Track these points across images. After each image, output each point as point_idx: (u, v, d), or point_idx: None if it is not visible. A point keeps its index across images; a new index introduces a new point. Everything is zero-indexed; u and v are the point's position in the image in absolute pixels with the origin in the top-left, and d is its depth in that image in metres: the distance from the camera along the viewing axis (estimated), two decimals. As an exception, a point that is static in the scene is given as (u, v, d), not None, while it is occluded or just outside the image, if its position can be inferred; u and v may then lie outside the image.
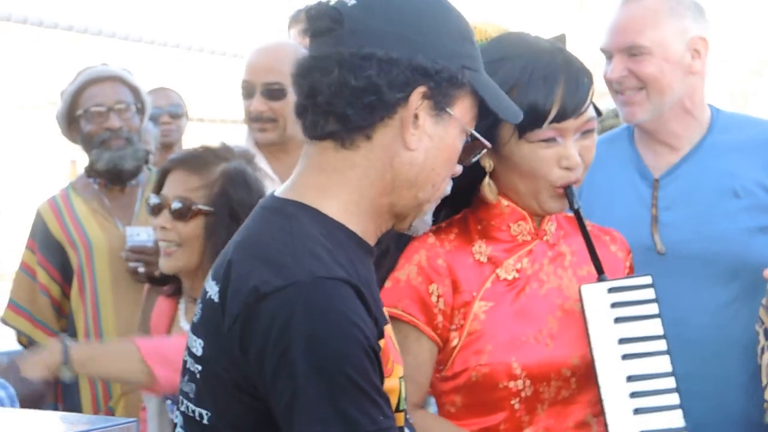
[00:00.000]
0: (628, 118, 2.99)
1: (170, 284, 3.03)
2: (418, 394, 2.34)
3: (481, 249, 2.38)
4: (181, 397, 1.97)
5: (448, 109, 1.93)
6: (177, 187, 2.91)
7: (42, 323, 3.84)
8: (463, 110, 1.96)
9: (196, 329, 1.93)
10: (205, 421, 1.90)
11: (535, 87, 2.29)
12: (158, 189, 2.95)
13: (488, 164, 2.36)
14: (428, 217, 2.01)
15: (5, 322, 3.92)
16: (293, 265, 1.82)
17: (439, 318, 2.33)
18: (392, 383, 1.91)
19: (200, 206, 2.87)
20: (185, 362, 1.97)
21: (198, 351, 1.92)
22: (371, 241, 1.97)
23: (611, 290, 2.35)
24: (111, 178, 3.86)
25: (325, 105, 1.91)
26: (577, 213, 2.36)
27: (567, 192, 2.34)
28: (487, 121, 2.14)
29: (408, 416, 2.02)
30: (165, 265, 2.91)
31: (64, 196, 3.94)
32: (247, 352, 1.82)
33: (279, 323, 1.78)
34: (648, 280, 2.37)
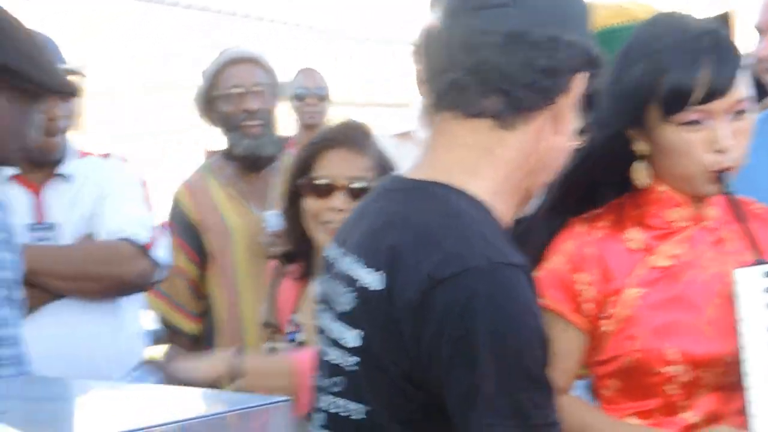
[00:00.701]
0: None
1: (299, 264, 3.02)
2: (564, 379, 2.32)
3: (634, 236, 2.35)
4: (319, 395, 1.93)
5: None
6: (346, 167, 2.89)
7: (181, 306, 3.88)
8: (576, 95, 1.92)
9: (350, 319, 1.86)
10: (359, 416, 1.84)
11: (677, 68, 2.26)
12: (307, 170, 2.92)
13: (643, 148, 2.33)
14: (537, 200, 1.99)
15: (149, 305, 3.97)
16: (467, 250, 1.77)
17: (588, 306, 2.31)
18: None
19: (374, 184, 2.84)
20: (324, 355, 1.92)
21: (351, 342, 1.85)
22: (505, 225, 1.92)
23: None
24: (248, 164, 3.89)
25: (496, 83, 1.85)
26: (729, 197, 2.31)
27: (720, 177, 2.29)
28: (634, 103, 2.16)
29: None
30: None
31: (199, 178, 3.97)
32: (420, 340, 1.76)
33: (457, 310, 1.73)
34: None
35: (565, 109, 1.88)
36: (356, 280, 1.85)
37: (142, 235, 3.23)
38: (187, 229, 3.85)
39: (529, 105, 1.85)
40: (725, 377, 2.31)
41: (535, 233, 2.35)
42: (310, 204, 2.89)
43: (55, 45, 3.29)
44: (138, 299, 3.39)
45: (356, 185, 2.86)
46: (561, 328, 2.31)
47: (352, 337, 1.85)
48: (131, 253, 3.21)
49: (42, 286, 3.12)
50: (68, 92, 2.37)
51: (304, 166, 2.92)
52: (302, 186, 2.91)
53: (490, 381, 1.73)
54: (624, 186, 2.39)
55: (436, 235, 1.80)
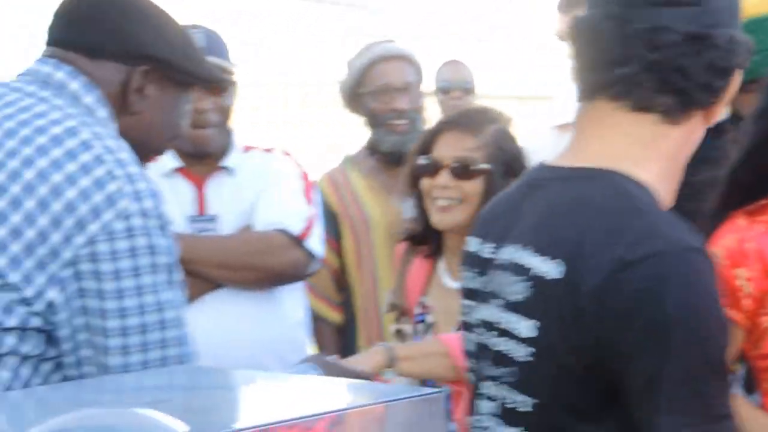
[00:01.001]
0: None
1: (429, 244, 3.11)
2: None
3: None
4: (487, 383, 1.92)
5: None
6: (453, 147, 3.02)
7: (325, 296, 3.92)
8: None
9: (521, 309, 1.84)
10: (526, 409, 1.84)
11: None
12: (425, 151, 3.04)
13: None
14: None
15: None
16: (656, 233, 1.77)
17: (746, 302, 2.27)
18: None
19: (481, 165, 2.97)
20: (488, 345, 1.92)
21: (525, 333, 1.84)
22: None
23: None
24: (393, 160, 3.91)
25: (676, 82, 1.86)
26: None
27: None
28: None
29: None
30: (443, 221, 3.01)
31: (341, 170, 4.01)
32: (604, 324, 1.75)
33: (648, 293, 1.73)
34: None
35: (722, 104, 1.90)
36: (529, 269, 1.84)
37: (296, 226, 3.27)
38: (327, 219, 3.89)
39: (700, 103, 1.88)
40: None
41: (705, 227, 2.32)
42: (423, 183, 3.04)
43: (221, 40, 3.36)
44: (299, 289, 3.43)
45: (459, 164, 2.98)
46: None
47: (526, 327, 1.83)
48: (285, 243, 3.25)
49: (199, 275, 3.18)
50: (217, 83, 2.42)
51: (424, 148, 3.06)
52: (417, 167, 3.05)
53: (678, 367, 1.72)
54: None
55: (619, 218, 1.80)
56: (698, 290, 1.75)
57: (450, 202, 2.99)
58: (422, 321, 3.05)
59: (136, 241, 2.09)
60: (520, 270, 1.85)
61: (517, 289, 1.85)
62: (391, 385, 2.56)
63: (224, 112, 3.33)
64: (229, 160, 3.36)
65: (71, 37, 2.28)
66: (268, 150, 3.47)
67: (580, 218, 1.82)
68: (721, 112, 1.92)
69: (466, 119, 3.10)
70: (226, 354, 3.00)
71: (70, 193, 2.09)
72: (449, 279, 3.03)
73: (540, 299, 1.82)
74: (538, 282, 1.82)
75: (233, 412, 1.65)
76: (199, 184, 3.35)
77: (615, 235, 1.77)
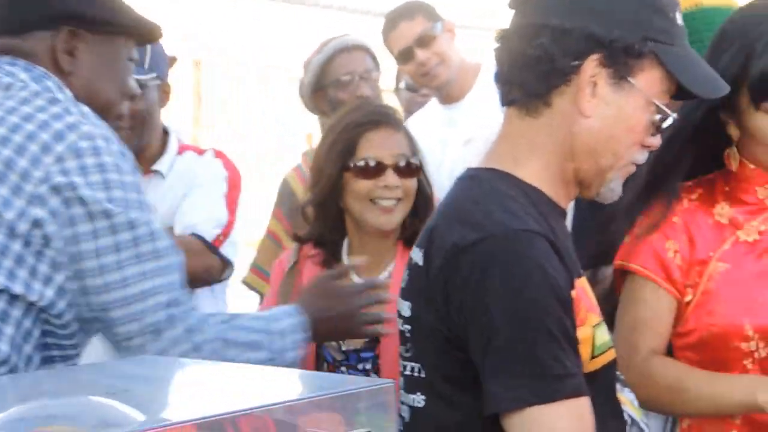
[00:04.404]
0: None
1: (319, 249, 3.05)
2: (656, 341, 2.37)
3: (723, 211, 2.39)
4: (400, 361, 2.09)
5: (629, 79, 1.98)
6: (392, 146, 2.96)
7: None
8: (649, 81, 2.00)
9: (405, 293, 2.07)
10: (422, 375, 2.03)
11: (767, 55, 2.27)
12: (351, 152, 2.96)
13: (734, 133, 2.36)
14: (616, 186, 2.06)
15: (248, 285, 4.05)
16: (487, 220, 1.94)
17: (677, 273, 2.35)
18: (585, 332, 1.98)
19: (418, 162, 2.97)
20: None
21: (407, 312, 2.07)
22: (564, 205, 2.06)
23: None
24: None
25: (508, 74, 2.02)
26: None
27: None
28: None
29: (617, 372, 2.12)
30: (389, 222, 2.94)
31: (307, 165, 4.04)
32: (449, 304, 1.94)
33: (477, 274, 1.90)
34: None
35: (582, 90, 1.98)
36: (412, 259, 2.08)
37: (211, 232, 3.31)
38: (295, 214, 3.92)
39: (537, 90, 1.99)
40: None
41: (628, 212, 2.43)
42: (361, 186, 2.93)
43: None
44: (219, 291, 3.46)
45: (402, 162, 2.94)
46: (650, 291, 2.36)
47: (406, 307, 2.07)
48: (198, 248, 3.28)
49: None
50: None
51: (349, 149, 2.96)
52: (350, 169, 2.94)
53: (506, 335, 1.88)
54: (715, 165, 2.42)
55: (463, 211, 1.98)
56: (521, 264, 1.90)
57: (393, 203, 2.94)
58: None
59: (102, 159, 2.16)
60: (410, 261, 2.09)
61: (404, 277, 2.10)
62: (342, 376, 2.59)
63: (137, 116, 3.33)
64: (161, 163, 3.40)
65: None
66: (200, 152, 3.50)
67: (440, 215, 2.03)
68: (591, 102, 1.97)
69: (388, 117, 3.04)
70: None
71: (31, 128, 2.16)
72: (357, 278, 2.90)
73: (413, 283, 2.06)
74: (412, 268, 2.06)
75: (190, 403, 1.68)
76: None
77: (454, 224, 1.96)
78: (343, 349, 2.94)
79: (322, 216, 3.03)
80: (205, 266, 3.31)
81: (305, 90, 4.11)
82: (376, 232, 2.96)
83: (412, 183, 2.96)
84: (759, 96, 2.28)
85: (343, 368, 2.94)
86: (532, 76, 2.00)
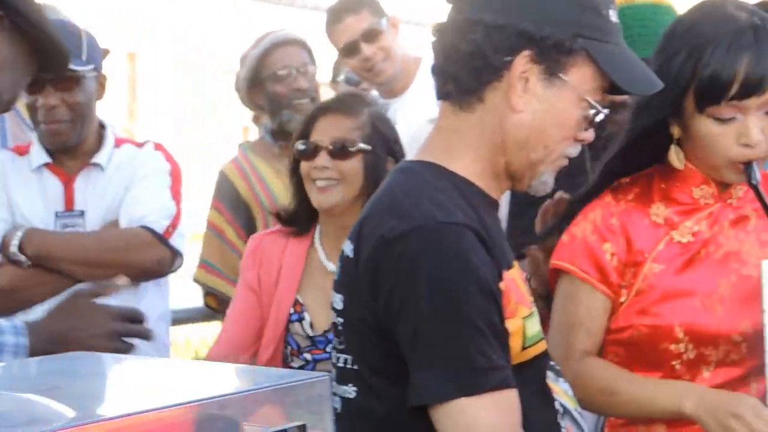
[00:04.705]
0: None
1: (296, 226, 3.13)
2: (589, 342, 2.39)
3: (659, 210, 2.40)
4: (333, 353, 2.10)
5: (560, 75, 2.00)
6: (331, 130, 3.04)
7: (233, 279, 3.93)
8: (581, 78, 2.02)
9: (337, 286, 2.07)
10: (353, 366, 2.04)
11: (715, 63, 2.28)
12: (305, 135, 3.06)
13: (676, 132, 2.38)
14: (548, 179, 2.07)
15: (198, 282, 4.02)
16: (415, 212, 1.94)
17: (613, 275, 2.36)
18: (516, 324, 1.99)
19: (360, 144, 3.01)
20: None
21: (339, 305, 2.07)
22: (496, 197, 2.08)
23: None
24: (284, 139, 3.94)
25: (443, 68, 2.04)
26: (755, 188, 2.33)
27: (746, 168, 2.32)
28: (673, 91, 2.21)
29: (552, 362, 2.12)
30: (322, 201, 3.02)
31: (244, 159, 4.03)
32: (377, 297, 1.95)
33: (403, 266, 1.92)
34: None
35: (513, 86, 1.99)
36: (344, 251, 2.08)
37: (160, 224, 3.29)
38: (237, 206, 3.90)
39: (469, 85, 2.01)
40: (732, 356, 2.35)
41: (568, 210, 2.45)
42: (303, 167, 3.05)
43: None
44: (162, 283, 3.44)
45: (337, 145, 3.01)
46: (586, 293, 2.37)
47: (338, 300, 2.08)
48: (148, 240, 3.27)
49: (62, 271, 3.21)
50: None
51: (303, 134, 3.08)
52: (296, 152, 3.07)
53: (432, 327, 1.89)
54: (655, 160, 2.43)
55: (392, 203, 1.99)
56: (449, 258, 1.91)
57: (329, 183, 3.01)
58: (299, 320, 3.03)
59: None
60: (341, 253, 2.09)
61: (337, 269, 2.11)
62: (278, 369, 2.59)
63: (76, 108, 3.31)
64: (99, 156, 3.37)
65: None
66: (139, 144, 3.48)
67: (370, 207, 2.04)
68: (523, 98, 1.99)
69: (341, 103, 3.13)
70: None
71: None
72: (328, 262, 3.04)
73: (344, 276, 2.07)
74: (344, 261, 2.07)
75: (123, 398, 1.67)
76: (67, 179, 3.36)
77: (384, 215, 1.97)
78: (311, 335, 3.00)
79: (297, 198, 3.11)
80: (157, 258, 3.29)
81: (242, 84, 4.10)
82: (324, 213, 3.05)
83: (347, 165, 3.01)
84: (704, 101, 2.30)
85: (307, 354, 3.00)
86: (465, 71, 2.01)
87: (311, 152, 3.03)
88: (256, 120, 4.40)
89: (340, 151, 3.01)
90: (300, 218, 3.11)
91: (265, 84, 3.99)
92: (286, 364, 3.00)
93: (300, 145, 3.05)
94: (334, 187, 3.01)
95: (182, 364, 1.98)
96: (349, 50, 4.24)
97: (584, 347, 2.37)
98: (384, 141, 3.05)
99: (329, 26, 4.29)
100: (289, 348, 3.02)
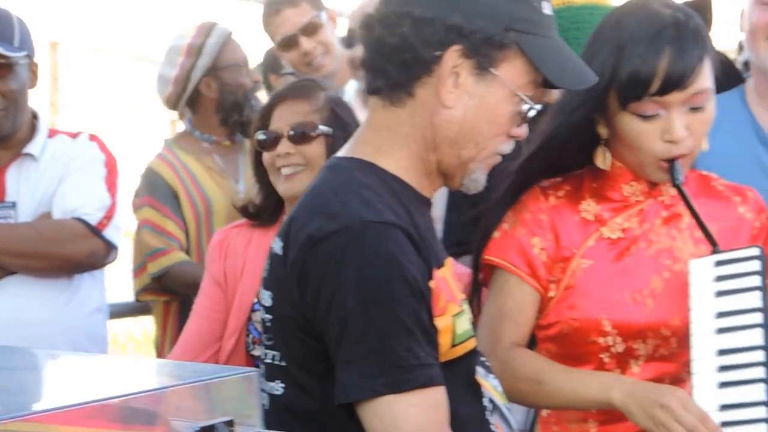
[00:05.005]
0: None
1: (262, 219, 3.11)
2: (518, 333, 2.40)
3: (589, 207, 2.42)
4: (262, 349, 2.09)
5: (492, 70, 1.98)
6: (290, 116, 3.01)
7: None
8: (512, 72, 2.00)
9: (266, 283, 2.05)
10: (281, 363, 2.03)
11: (637, 57, 2.29)
12: (264, 125, 3.03)
13: (603, 131, 2.39)
14: (480, 176, 2.06)
15: (156, 274, 3.83)
16: (343, 211, 1.93)
17: (542, 270, 2.38)
18: (445, 321, 1.99)
19: (321, 127, 2.98)
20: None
21: (268, 302, 2.05)
22: (428, 195, 2.06)
23: (719, 263, 2.33)
24: (246, 132, 3.90)
25: (370, 62, 2.01)
26: (678, 188, 2.35)
27: (670, 168, 2.33)
28: (597, 89, 2.19)
29: (483, 358, 2.12)
30: (290, 189, 2.98)
31: (172, 154, 3.97)
32: (305, 295, 1.94)
33: (331, 266, 1.90)
34: (756, 251, 2.33)
35: (443, 81, 1.97)
36: (272, 248, 2.04)
37: (93, 215, 3.26)
38: (171, 200, 3.85)
39: (399, 80, 1.98)
40: (661, 350, 2.37)
41: (498, 207, 2.44)
42: (265, 157, 3.02)
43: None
44: (99, 276, 3.41)
45: (298, 130, 2.98)
46: (515, 285, 2.38)
47: (267, 297, 2.05)
48: (82, 232, 3.23)
49: None
50: None
51: (262, 124, 3.04)
52: (257, 143, 3.03)
53: (359, 326, 1.89)
54: (586, 161, 2.44)
55: (321, 201, 1.97)
56: (376, 258, 1.90)
57: (294, 170, 2.98)
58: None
59: None
60: (270, 250, 2.07)
61: (265, 267, 2.08)
62: (206, 365, 2.58)
63: (9, 96, 3.26)
64: (32, 146, 3.33)
65: None
66: (74, 135, 3.44)
67: (299, 205, 2.02)
68: (453, 93, 1.98)
69: (298, 88, 3.10)
70: (20, 340, 2.97)
71: None
72: None
73: (272, 273, 2.04)
74: (273, 259, 2.04)
75: (49, 393, 1.65)
76: None
77: (311, 214, 1.96)
78: None
79: (263, 191, 3.08)
80: (90, 250, 3.26)
81: (182, 81, 4.00)
82: (290, 202, 3.01)
83: (310, 150, 2.98)
84: (626, 98, 2.30)
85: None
86: (394, 66, 1.98)
87: (272, 141, 3.00)
88: (180, 116, 4.36)
89: (301, 137, 2.97)
90: (267, 211, 3.09)
91: (218, 76, 3.95)
92: (248, 353, 2.99)
93: (260, 135, 3.01)
94: (299, 174, 2.98)
95: (111, 359, 1.96)
96: (287, 44, 4.22)
97: (512, 338, 2.38)
98: (344, 124, 3.02)
99: (267, 18, 4.25)
100: (251, 336, 3.00)
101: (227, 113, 3.96)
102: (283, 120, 3.01)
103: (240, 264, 3.06)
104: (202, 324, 3.04)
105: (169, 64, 4.00)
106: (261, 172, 3.06)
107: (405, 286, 1.91)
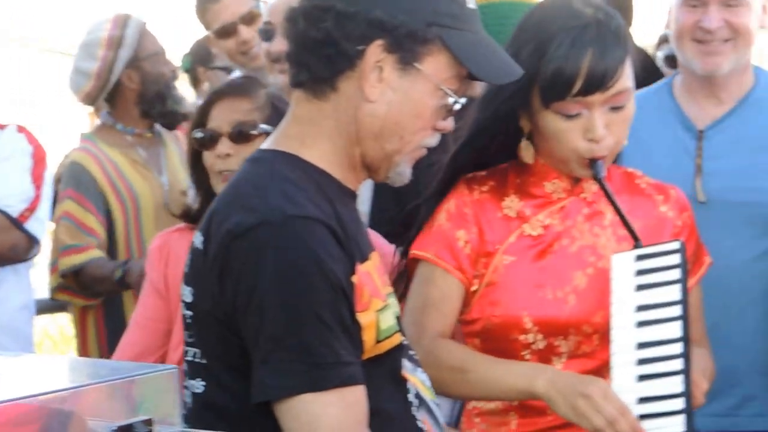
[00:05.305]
0: (710, 68, 2.95)
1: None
2: (443, 323, 2.39)
3: (512, 204, 2.42)
4: (184, 347, 2.06)
5: (415, 64, 1.98)
6: (229, 114, 2.92)
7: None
8: (436, 67, 2.00)
9: (187, 278, 2.03)
10: (201, 360, 2.00)
11: (560, 57, 2.30)
12: (202, 123, 2.94)
13: (526, 126, 2.39)
14: (405, 169, 2.05)
15: (66, 273, 3.76)
16: (264, 205, 1.91)
17: (466, 263, 2.39)
18: (369, 317, 1.97)
19: (262, 126, 2.90)
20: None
21: (188, 298, 2.03)
22: (353, 187, 2.05)
23: (640, 257, 2.34)
24: (169, 123, 3.91)
25: (294, 55, 2.01)
26: (600, 183, 2.36)
27: (591, 164, 2.35)
28: (520, 85, 2.21)
29: (412, 352, 2.11)
30: None
31: (95, 147, 3.92)
32: (225, 291, 1.92)
33: (250, 261, 1.89)
34: (676, 245, 2.34)
35: (366, 75, 1.97)
36: (193, 242, 2.01)
37: (15, 207, 3.20)
38: (95, 194, 3.79)
39: (322, 74, 1.98)
40: (583, 347, 2.38)
41: (427, 202, 2.44)
42: (205, 157, 2.93)
43: None
44: (23, 273, 3.35)
45: (236, 129, 2.89)
46: (440, 276, 2.38)
47: (188, 293, 2.03)
48: (3, 224, 3.18)
49: None
50: None
51: (200, 122, 2.95)
52: (194, 141, 2.94)
53: (278, 322, 1.87)
54: (512, 155, 2.44)
55: (242, 195, 1.95)
56: (295, 253, 1.88)
57: (234, 171, 2.92)
58: None
59: None
60: (191, 245, 2.04)
61: (187, 262, 2.06)
62: (125, 363, 2.55)
63: None
64: None
65: None
66: (1, 127, 3.37)
67: (220, 198, 2.00)
68: (377, 87, 1.97)
69: (237, 86, 3.02)
70: None
71: None
72: None
73: (193, 268, 2.02)
74: (194, 253, 2.02)
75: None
76: None
77: (232, 208, 1.94)
78: None
79: (201, 193, 2.98)
80: (10, 243, 3.20)
81: (104, 74, 3.94)
82: None
83: (251, 150, 2.77)
84: (549, 97, 2.31)
85: None
86: (317, 60, 1.98)
87: (210, 140, 2.90)
88: (96, 110, 4.30)
89: (241, 136, 2.88)
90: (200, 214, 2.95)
91: (142, 65, 3.90)
92: None
93: (197, 134, 2.92)
94: None
95: (25, 357, 1.92)
96: (226, 32, 4.16)
97: (437, 328, 2.37)
98: None
99: (204, 5, 4.21)
100: None
101: (150, 104, 3.92)
102: (222, 118, 2.92)
103: (182, 270, 2.98)
104: (141, 335, 2.94)
105: (88, 57, 3.93)
106: (199, 173, 2.96)
107: (325, 282, 1.89)
